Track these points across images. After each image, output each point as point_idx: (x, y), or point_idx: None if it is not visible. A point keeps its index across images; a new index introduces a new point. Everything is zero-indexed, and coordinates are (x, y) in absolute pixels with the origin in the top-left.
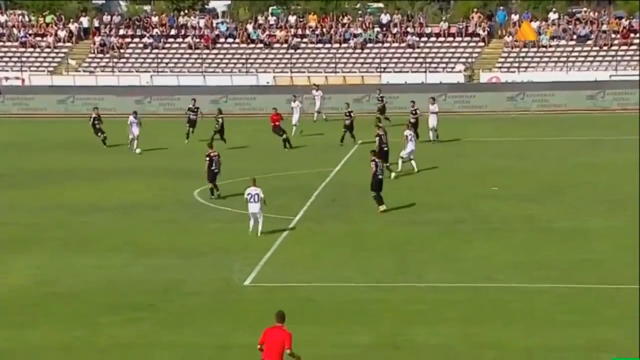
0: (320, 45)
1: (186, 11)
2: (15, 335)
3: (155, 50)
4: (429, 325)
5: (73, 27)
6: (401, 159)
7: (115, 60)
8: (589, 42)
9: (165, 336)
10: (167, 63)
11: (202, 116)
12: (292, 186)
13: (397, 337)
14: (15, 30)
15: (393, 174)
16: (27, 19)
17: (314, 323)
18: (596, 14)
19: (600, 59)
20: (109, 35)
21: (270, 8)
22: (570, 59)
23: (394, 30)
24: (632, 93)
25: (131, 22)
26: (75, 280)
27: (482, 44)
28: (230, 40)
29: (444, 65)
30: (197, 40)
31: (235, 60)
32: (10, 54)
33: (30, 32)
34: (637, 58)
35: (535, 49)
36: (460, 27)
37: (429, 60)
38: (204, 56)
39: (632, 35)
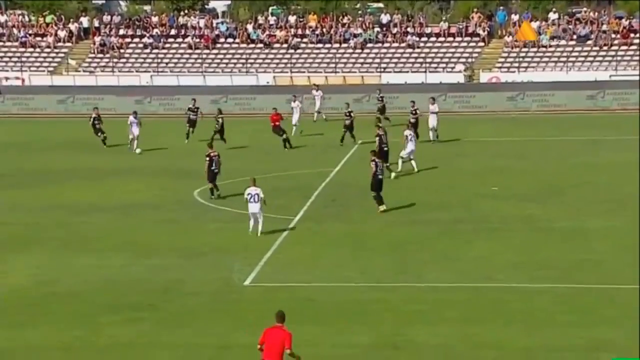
0: (320, 45)
1: (186, 11)
2: (15, 334)
3: (155, 50)
4: (429, 325)
5: (73, 27)
6: (401, 159)
7: (115, 60)
8: (589, 42)
9: (165, 336)
10: (167, 63)
11: (202, 116)
12: (292, 186)
13: (397, 337)
14: (15, 30)
15: (393, 174)
16: (27, 19)
17: (314, 323)
18: (596, 14)
19: (600, 59)
20: (109, 35)
21: (270, 8)
22: (570, 59)
23: (394, 30)
24: (632, 93)
25: (131, 22)
26: (75, 280)
27: (482, 44)
28: (230, 40)
29: (444, 65)
30: (197, 40)
31: (235, 60)
32: (10, 54)
33: (30, 32)
34: (637, 58)
35: (535, 49)
36: (460, 27)
37: (429, 60)
38: (204, 56)
39: (632, 35)
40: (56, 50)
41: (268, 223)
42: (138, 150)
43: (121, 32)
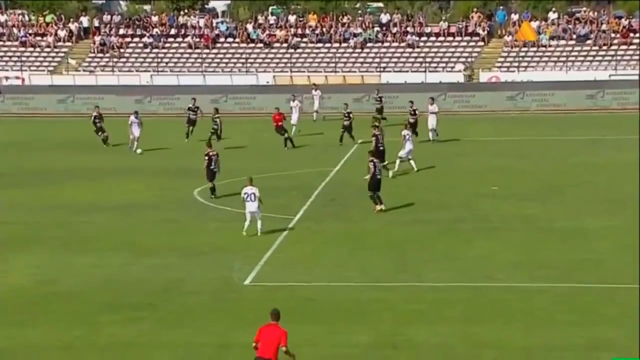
0: (320, 44)
1: (186, 11)
2: (15, 334)
3: (155, 50)
4: (429, 324)
5: (73, 26)
6: (399, 159)
7: (115, 59)
8: (589, 41)
9: (165, 335)
10: (167, 63)
11: (202, 116)
12: (292, 186)
13: (396, 337)
14: (15, 30)
15: (390, 173)
16: (27, 18)
17: (313, 322)
18: (596, 13)
19: (600, 58)
20: (109, 35)
21: (270, 8)
22: (570, 58)
23: (394, 30)
24: (631, 92)
25: (131, 22)
26: (75, 279)
27: (481, 43)
28: (230, 39)
29: (443, 64)
30: (197, 39)
31: (235, 60)
32: (10, 54)
33: (30, 31)
34: (636, 57)
35: (535, 49)
36: (460, 26)
37: (428, 59)
38: (204, 56)
39: (631, 34)
40: (56, 50)
41: (268, 222)
42: (139, 151)
43: (121, 31)
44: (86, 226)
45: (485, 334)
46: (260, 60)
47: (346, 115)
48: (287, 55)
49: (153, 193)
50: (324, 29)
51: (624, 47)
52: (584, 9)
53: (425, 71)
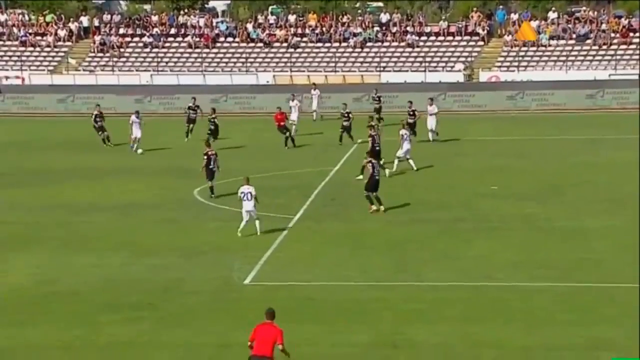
0: (320, 44)
1: (186, 10)
2: (15, 333)
3: (155, 50)
4: (429, 324)
5: (73, 26)
6: (397, 159)
7: (115, 59)
8: (589, 41)
9: (165, 335)
10: (167, 62)
11: (202, 115)
12: (292, 185)
13: (396, 336)
14: (15, 30)
15: (387, 172)
16: (27, 18)
17: (313, 322)
18: (595, 13)
19: (600, 58)
20: (109, 35)
21: (270, 7)
22: (570, 58)
23: (394, 30)
24: (631, 92)
25: (131, 22)
26: (75, 279)
27: (481, 43)
28: (230, 39)
29: (443, 64)
30: (197, 39)
31: (235, 60)
32: (10, 53)
33: (30, 31)
34: (636, 57)
35: (534, 48)
36: (460, 26)
37: (428, 59)
38: (204, 55)
39: (631, 34)
40: (56, 50)
41: (268, 222)
42: (140, 151)
43: (121, 31)
44: (86, 226)
45: (485, 334)
46: (260, 60)
47: (345, 115)
48: (287, 55)
49: (153, 193)
50: (324, 29)
51: (624, 46)
52: (584, 8)
53: (425, 71)
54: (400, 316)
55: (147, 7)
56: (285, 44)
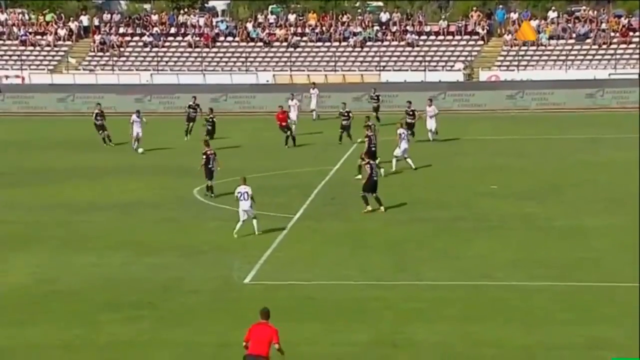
0: (319, 43)
1: (186, 10)
2: (15, 333)
3: (155, 49)
4: (428, 323)
5: (73, 25)
6: (395, 158)
7: (115, 58)
8: (588, 40)
9: (165, 334)
10: (167, 61)
11: (202, 114)
12: (292, 184)
13: (396, 335)
14: (15, 29)
15: (382, 171)
16: (27, 17)
17: (313, 321)
18: (595, 12)
19: (600, 57)
20: (109, 34)
21: (270, 6)
22: (570, 57)
23: (394, 29)
24: (631, 91)
25: (131, 21)
26: (75, 278)
27: (481, 42)
28: (230, 38)
29: (443, 63)
30: (197, 38)
31: (235, 59)
32: (10, 53)
33: (30, 30)
34: (636, 56)
35: (534, 48)
36: (460, 25)
37: (428, 58)
38: (204, 55)
39: (631, 33)
40: (56, 49)
41: (268, 221)
42: (140, 150)
43: (121, 30)
44: (86, 225)
45: (484, 333)
46: (260, 59)
47: (345, 114)
48: (287, 54)
49: (153, 192)
50: (324, 28)
51: (624, 46)
52: (584, 7)
53: (424, 70)
54: (399, 315)
55: (147, 6)
56: (285, 44)
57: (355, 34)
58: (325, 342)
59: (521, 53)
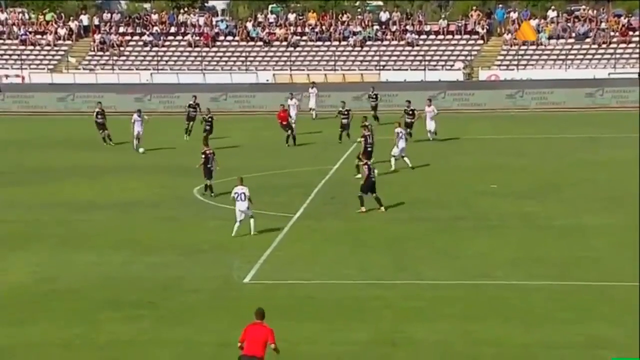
0: (319, 43)
1: (186, 9)
2: (15, 332)
3: (155, 48)
4: (428, 322)
5: (73, 25)
6: (393, 157)
7: (115, 58)
8: (588, 40)
9: (165, 333)
10: (167, 61)
11: (200, 113)
12: (292, 184)
13: (395, 334)
14: (15, 28)
15: (376, 171)
16: (27, 16)
17: (313, 320)
18: (595, 11)
19: (599, 56)
20: (109, 33)
21: (270, 6)
22: (569, 56)
23: (393, 28)
24: (630, 91)
25: (131, 20)
26: (75, 277)
27: (481, 41)
28: (229, 38)
29: (443, 63)
30: (197, 38)
31: (234, 58)
32: (10, 52)
33: (30, 30)
34: (635, 56)
35: (534, 47)
36: (460, 25)
37: (428, 58)
38: (204, 54)
39: (630, 33)
40: (56, 48)
41: (268, 220)
42: (141, 150)
43: (121, 30)
44: (86, 224)
45: (484, 332)
46: (260, 59)
47: (345, 113)
48: (287, 54)
49: (153, 191)
50: (324, 27)
51: (623, 45)
52: (583, 7)
53: (424, 69)
54: (399, 314)
55: (147, 5)
56: (285, 43)
57: (355, 34)
58: (325, 341)
59: (521, 52)
